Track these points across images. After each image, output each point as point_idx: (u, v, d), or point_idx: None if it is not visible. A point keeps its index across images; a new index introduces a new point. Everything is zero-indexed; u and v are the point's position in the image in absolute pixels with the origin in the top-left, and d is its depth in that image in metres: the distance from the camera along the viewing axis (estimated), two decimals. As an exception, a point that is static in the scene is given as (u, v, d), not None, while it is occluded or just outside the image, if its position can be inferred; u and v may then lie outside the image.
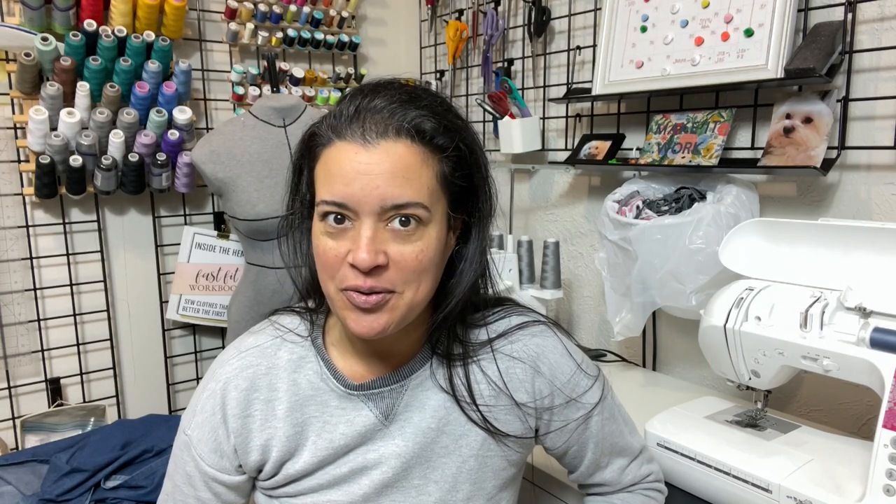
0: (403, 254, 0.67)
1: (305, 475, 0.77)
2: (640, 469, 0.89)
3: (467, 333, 0.80)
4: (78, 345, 1.75)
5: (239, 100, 1.87)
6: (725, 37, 1.25)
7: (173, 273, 1.85)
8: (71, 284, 1.72)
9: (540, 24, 1.70)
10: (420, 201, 0.66)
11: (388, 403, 0.77)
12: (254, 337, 0.81)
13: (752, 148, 1.32)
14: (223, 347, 1.97)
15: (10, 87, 1.58)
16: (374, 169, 0.65)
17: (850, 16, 1.13)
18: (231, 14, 1.82)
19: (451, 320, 0.76)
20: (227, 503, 0.80)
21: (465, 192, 0.73)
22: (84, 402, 1.76)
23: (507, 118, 1.70)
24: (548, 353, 0.80)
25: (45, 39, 1.48)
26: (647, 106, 1.51)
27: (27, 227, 1.65)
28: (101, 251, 1.76)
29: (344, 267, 0.67)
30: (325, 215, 0.68)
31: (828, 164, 1.16)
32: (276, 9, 1.87)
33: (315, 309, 0.81)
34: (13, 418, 1.67)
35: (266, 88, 1.86)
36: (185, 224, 1.87)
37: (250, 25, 1.84)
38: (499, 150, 1.77)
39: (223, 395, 0.77)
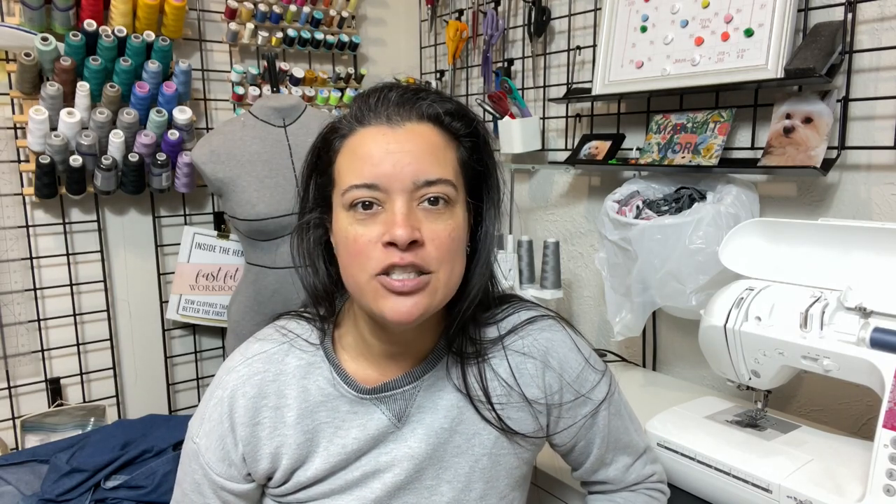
0: (437, 231, 0.67)
1: (317, 481, 0.76)
2: (643, 468, 0.90)
3: (478, 331, 0.80)
4: (78, 345, 1.75)
5: (239, 100, 1.87)
6: (725, 37, 1.25)
7: (173, 273, 1.85)
8: (71, 284, 1.72)
9: (540, 24, 1.70)
10: (449, 178, 0.68)
11: (402, 405, 0.76)
12: (260, 343, 0.79)
13: (752, 148, 1.32)
14: (223, 347, 1.98)
15: (10, 87, 1.58)
16: (404, 147, 0.67)
17: (850, 16, 1.13)
18: (231, 14, 1.82)
19: (471, 308, 0.75)
20: None
21: (480, 177, 0.75)
22: (84, 402, 1.76)
23: (507, 118, 1.70)
24: (557, 347, 0.80)
25: (45, 39, 1.48)
26: (647, 106, 1.51)
27: (27, 227, 1.65)
28: (101, 251, 1.76)
29: (377, 250, 0.66)
30: (352, 204, 0.67)
31: (828, 164, 1.16)
32: (276, 9, 1.87)
33: (326, 316, 0.79)
34: (13, 418, 1.67)
35: (266, 88, 1.86)
36: (185, 224, 1.87)
37: (250, 25, 1.84)
38: (499, 150, 1.77)
39: (231, 403, 0.76)
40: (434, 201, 0.67)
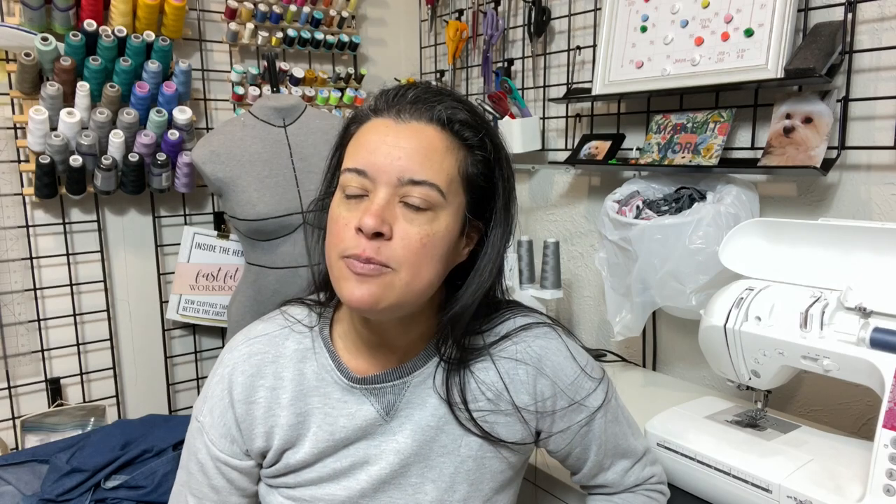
0: (408, 233, 0.68)
1: (306, 466, 0.78)
2: (642, 471, 0.90)
3: (470, 338, 0.79)
4: (78, 345, 1.75)
5: (239, 100, 1.87)
6: (725, 37, 1.25)
7: (173, 273, 1.85)
8: (71, 284, 1.72)
9: (540, 24, 1.70)
10: (436, 183, 0.68)
11: (391, 399, 0.77)
12: (263, 325, 0.82)
13: (752, 148, 1.32)
14: (223, 347, 1.98)
15: (10, 87, 1.58)
16: (400, 143, 0.68)
17: (850, 16, 1.13)
18: (231, 14, 1.82)
19: (458, 328, 0.75)
20: (240, 489, 0.80)
21: (487, 195, 0.75)
22: (84, 402, 1.76)
23: (507, 118, 1.70)
24: (551, 356, 0.80)
25: (45, 39, 1.48)
26: (647, 106, 1.51)
27: (27, 227, 1.65)
28: (101, 251, 1.76)
29: (348, 233, 0.68)
30: (344, 187, 0.70)
31: (828, 164, 1.16)
32: (276, 9, 1.87)
33: (325, 302, 0.82)
34: (13, 418, 1.67)
35: (266, 88, 1.86)
36: (185, 224, 1.87)
37: (250, 25, 1.84)
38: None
39: (230, 381, 0.78)
40: (418, 202, 0.68)
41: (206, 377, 1.95)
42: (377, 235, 0.66)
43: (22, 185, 1.63)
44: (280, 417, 0.77)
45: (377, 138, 0.69)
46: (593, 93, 1.48)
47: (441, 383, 0.78)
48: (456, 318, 0.75)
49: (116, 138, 1.60)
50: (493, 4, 1.83)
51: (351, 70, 2.06)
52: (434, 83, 0.77)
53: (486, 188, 0.75)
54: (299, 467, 0.78)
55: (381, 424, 0.77)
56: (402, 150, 0.68)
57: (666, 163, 1.37)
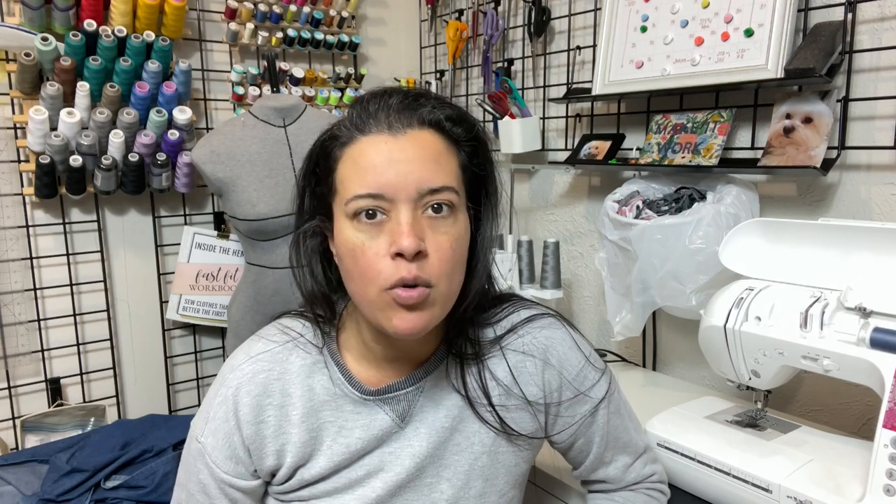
0: (440, 243, 0.67)
1: (320, 479, 0.77)
2: (643, 468, 0.90)
3: (478, 332, 0.80)
4: (78, 345, 1.75)
5: (239, 100, 1.87)
6: (725, 37, 1.25)
7: (173, 273, 1.85)
8: (71, 284, 1.72)
9: (540, 24, 1.70)
10: (452, 185, 0.68)
11: (405, 406, 0.77)
12: (263, 342, 0.79)
13: (752, 148, 1.32)
14: (223, 347, 1.98)
15: (10, 87, 1.58)
16: (407, 155, 0.66)
17: (850, 16, 1.13)
18: (231, 14, 1.82)
19: (470, 311, 0.75)
20: None
21: (479, 181, 0.75)
22: (84, 402, 1.76)
23: (507, 118, 1.70)
24: (557, 346, 0.80)
25: (45, 39, 1.48)
26: (647, 106, 1.51)
27: (27, 227, 1.65)
28: (101, 251, 1.76)
29: (385, 263, 0.65)
30: (356, 214, 0.67)
31: (828, 164, 1.16)
32: (276, 9, 1.87)
33: (328, 318, 0.79)
34: (13, 418, 1.67)
35: (266, 88, 1.86)
36: (185, 224, 1.87)
37: (250, 25, 1.84)
38: (499, 150, 1.77)
39: (235, 402, 0.75)
40: (438, 208, 0.67)
41: (206, 377, 1.96)
42: (416, 255, 0.65)
43: (22, 185, 1.63)
44: (292, 435, 0.76)
45: (380, 156, 0.66)
46: (593, 93, 1.48)
47: (458, 379, 0.78)
48: (468, 306, 0.75)
49: (116, 138, 1.60)
50: (493, 4, 1.83)
51: (351, 70, 2.06)
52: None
53: (478, 175, 0.75)
54: (314, 481, 0.77)
55: (396, 431, 0.77)
56: (412, 163, 0.66)
57: (666, 163, 1.37)
